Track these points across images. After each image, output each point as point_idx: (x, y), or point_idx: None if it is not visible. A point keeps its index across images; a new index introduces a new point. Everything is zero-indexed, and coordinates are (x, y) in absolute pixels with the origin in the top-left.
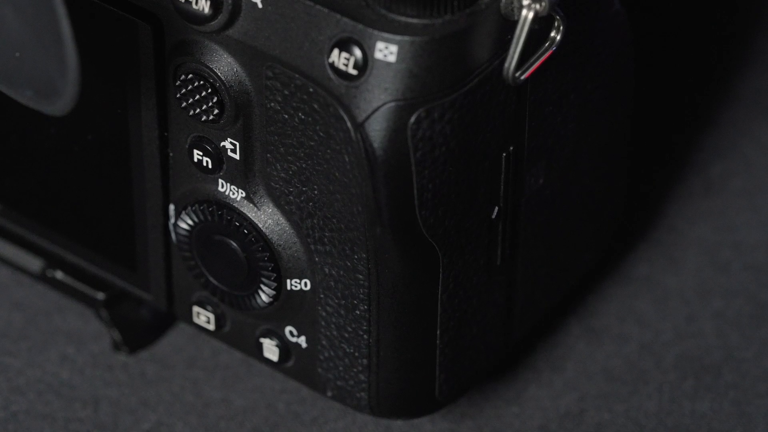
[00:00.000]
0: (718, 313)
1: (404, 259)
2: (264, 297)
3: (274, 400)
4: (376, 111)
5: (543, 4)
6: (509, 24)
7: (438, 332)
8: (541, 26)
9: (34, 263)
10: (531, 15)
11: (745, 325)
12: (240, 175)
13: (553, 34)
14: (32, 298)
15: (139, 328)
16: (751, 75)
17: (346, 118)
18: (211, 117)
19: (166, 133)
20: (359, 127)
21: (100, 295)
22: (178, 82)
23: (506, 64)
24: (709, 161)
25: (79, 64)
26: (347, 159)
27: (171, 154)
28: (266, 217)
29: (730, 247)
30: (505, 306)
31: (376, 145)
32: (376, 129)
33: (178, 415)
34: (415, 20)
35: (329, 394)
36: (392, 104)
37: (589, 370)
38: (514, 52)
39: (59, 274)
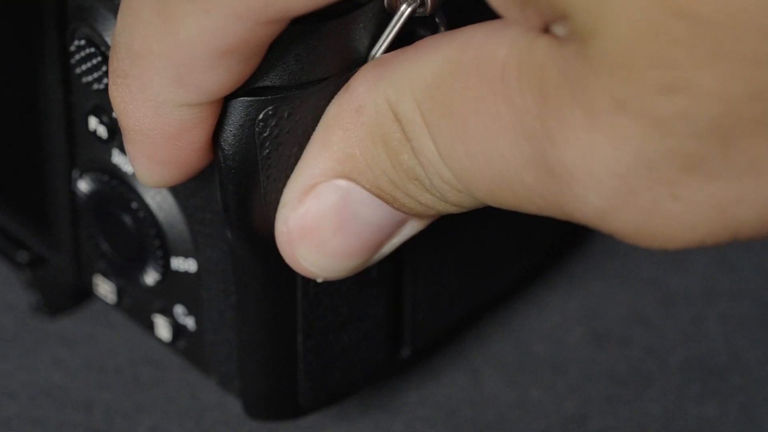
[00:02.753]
0: (724, 316)
1: (258, 262)
2: (152, 273)
3: None
4: (225, 106)
5: (427, 5)
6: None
7: (300, 338)
8: (426, 32)
9: None
10: (409, 10)
11: (752, 328)
12: None
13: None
14: (24, 300)
15: (62, 291)
16: None
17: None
18: (101, 86)
19: (69, 97)
20: None
21: (23, 256)
22: (72, 47)
23: (372, 52)
24: None
25: None
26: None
27: (76, 118)
28: (155, 193)
29: (737, 248)
30: (385, 319)
31: (221, 141)
32: (224, 124)
33: (173, 419)
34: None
35: (214, 379)
36: (241, 99)
37: (593, 373)
38: (383, 42)
39: None
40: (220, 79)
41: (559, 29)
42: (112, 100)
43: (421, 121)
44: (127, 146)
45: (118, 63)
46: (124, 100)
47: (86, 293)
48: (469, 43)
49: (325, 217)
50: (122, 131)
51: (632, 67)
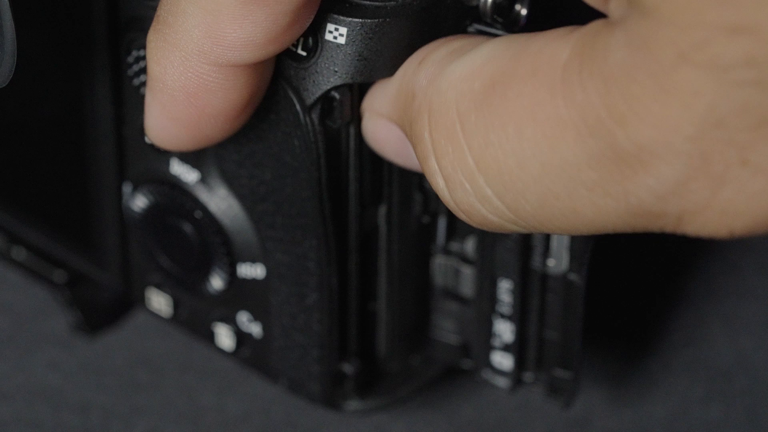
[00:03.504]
0: (728, 317)
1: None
2: (217, 282)
3: (269, 407)
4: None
5: None
6: (465, 9)
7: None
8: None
9: None
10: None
11: (757, 329)
12: (193, 156)
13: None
14: (20, 301)
15: (100, 309)
16: None
17: (295, 100)
18: None
19: (120, 110)
20: (308, 110)
21: (61, 276)
22: (130, 59)
23: None
24: None
25: (15, 36)
26: (296, 143)
27: (126, 132)
28: (219, 200)
29: (741, 247)
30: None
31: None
32: None
33: (170, 421)
34: (366, 2)
35: (283, 384)
36: (343, 88)
37: (596, 375)
38: None
39: (21, 254)
40: (246, 34)
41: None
42: (146, 45)
43: (461, 133)
44: (147, 95)
45: (160, 9)
46: (156, 46)
47: (124, 309)
48: (524, 52)
49: None
50: (147, 79)
51: (692, 9)
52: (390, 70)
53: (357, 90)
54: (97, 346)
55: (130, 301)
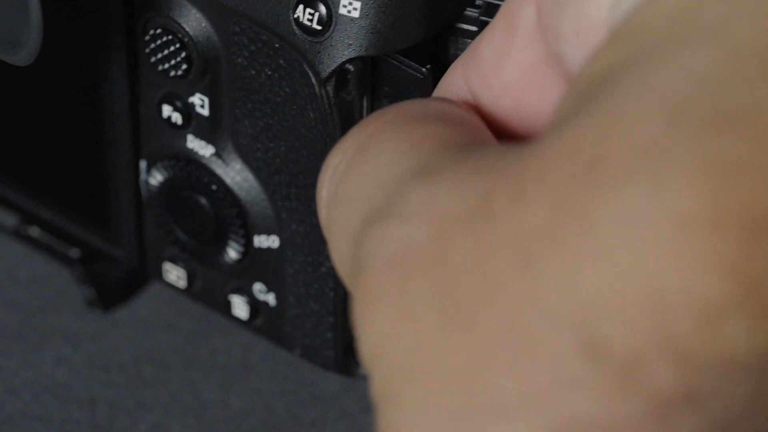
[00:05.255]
0: None
1: None
2: (233, 253)
3: (273, 401)
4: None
5: None
6: None
7: None
8: None
9: (10, 219)
10: None
11: None
12: (208, 131)
13: None
14: (28, 297)
15: (114, 285)
16: None
17: (310, 74)
18: (179, 72)
19: (136, 89)
20: (323, 83)
21: (75, 252)
22: (147, 37)
23: None
24: None
25: (42, 14)
26: (312, 115)
27: (141, 110)
28: (234, 173)
29: None
30: None
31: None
32: None
33: (175, 416)
34: None
35: (297, 352)
36: (357, 61)
37: None
38: None
39: (35, 231)
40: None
41: None
42: None
43: None
44: None
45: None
46: None
47: (138, 285)
48: None
49: None
50: None
51: None
52: (403, 42)
53: (370, 62)
54: (103, 343)
55: (144, 277)
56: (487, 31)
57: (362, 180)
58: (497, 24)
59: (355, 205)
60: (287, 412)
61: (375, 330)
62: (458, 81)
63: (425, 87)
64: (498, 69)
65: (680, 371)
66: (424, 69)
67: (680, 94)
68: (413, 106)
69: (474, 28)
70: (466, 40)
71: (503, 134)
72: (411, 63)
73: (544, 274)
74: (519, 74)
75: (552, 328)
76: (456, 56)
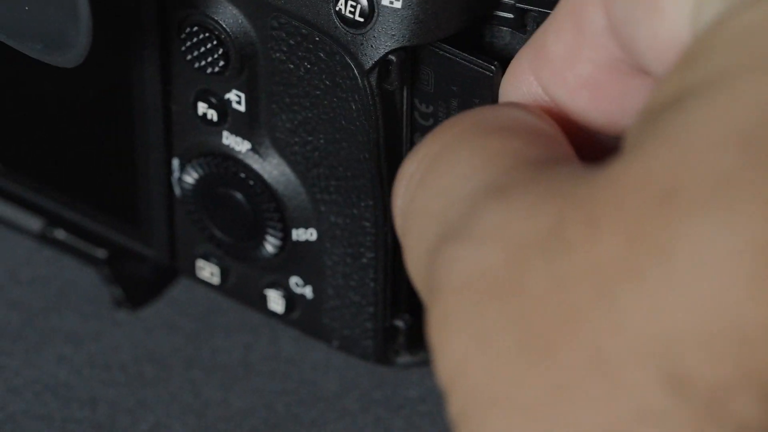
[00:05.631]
0: None
1: None
2: (270, 248)
3: (273, 401)
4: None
5: None
6: None
7: None
8: None
9: (35, 223)
10: None
11: None
12: (245, 126)
13: None
14: (29, 297)
15: (141, 285)
16: None
17: (353, 65)
18: (216, 69)
19: (168, 87)
20: (366, 74)
21: (102, 253)
22: (183, 35)
23: None
24: None
25: (91, 14)
26: (354, 107)
27: (174, 108)
28: (271, 168)
29: None
30: None
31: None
32: None
33: (176, 415)
34: None
35: (335, 344)
36: (399, 51)
37: None
38: None
39: (60, 233)
40: None
41: None
42: None
43: None
44: None
45: None
46: None
47: (165, 283)
48: None
49: None
50: None
51: None
52: (444, 30)
53: (411, 52)
54: (105, 342)
55: (172, 275)
56: (551, 26)
57: (436, 194)
58: (562, 21)
59: (430, 219)
60: (287, 412)
61: (452, 353)
62: (527, 77)
63: (494, 84)
64: (571, 65)
65: (764, 404)
66: (492, 66)
67: (749, 122)
68: (488, 115)
69: (510, 15)
70: (501, 27)
71: (582, 128)
72: (479, 61)
73: (625, 305)
74: (594, 69)
75: (635, 359)
76: (491, 44)
